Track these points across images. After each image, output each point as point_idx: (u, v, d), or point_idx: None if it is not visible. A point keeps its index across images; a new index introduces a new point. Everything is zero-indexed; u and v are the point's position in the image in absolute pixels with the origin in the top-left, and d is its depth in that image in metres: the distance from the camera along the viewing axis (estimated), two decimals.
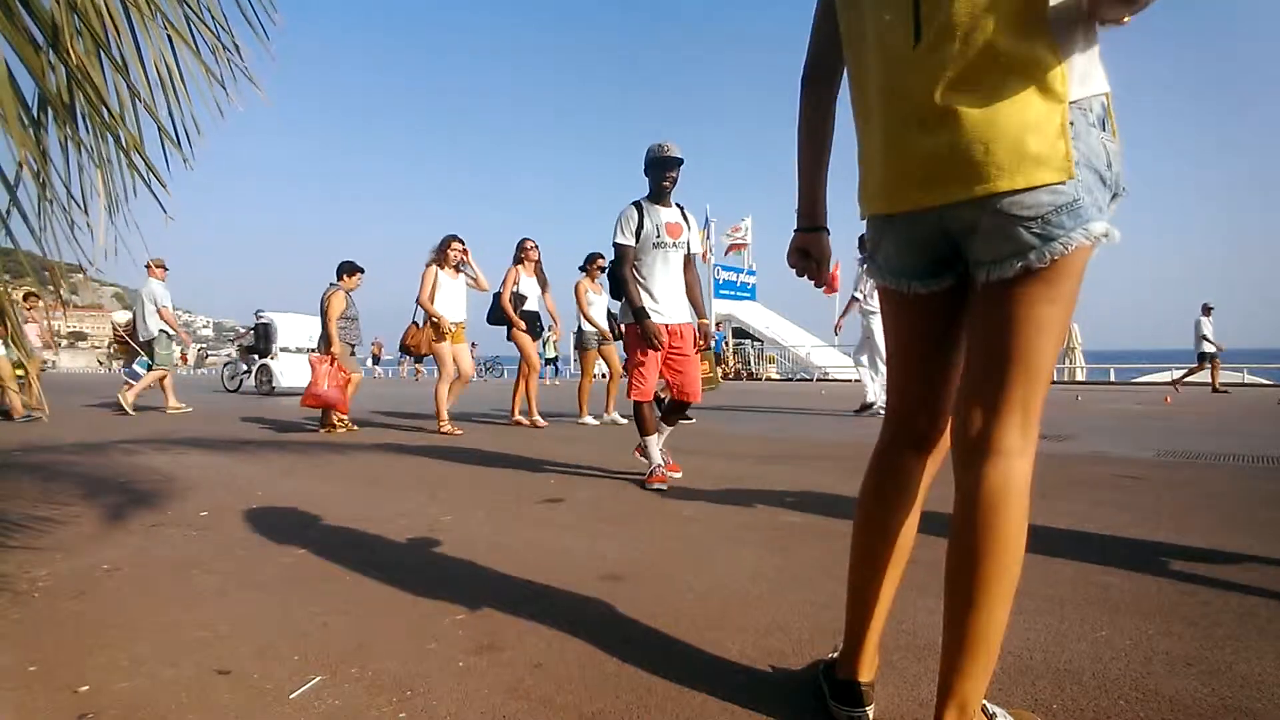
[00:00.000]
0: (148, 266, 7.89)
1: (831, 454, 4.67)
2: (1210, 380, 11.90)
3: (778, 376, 20.49)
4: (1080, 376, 16.39)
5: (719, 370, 8.49)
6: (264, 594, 2.00)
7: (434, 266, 6.21)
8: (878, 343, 6.87)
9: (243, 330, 12.82)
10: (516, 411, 6.71)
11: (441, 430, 5.93)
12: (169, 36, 1.53)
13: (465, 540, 2.55)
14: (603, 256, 6.79)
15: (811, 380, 18.06)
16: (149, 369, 8.02)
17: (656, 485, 3.47)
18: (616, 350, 7.32)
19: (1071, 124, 0.98)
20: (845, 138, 1.29)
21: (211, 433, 6.11)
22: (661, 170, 3.62)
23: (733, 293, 23.22)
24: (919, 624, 1.68)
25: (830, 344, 20.01)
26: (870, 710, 1.24)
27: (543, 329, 6.95)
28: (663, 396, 4.30)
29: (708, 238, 20.74)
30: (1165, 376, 14.42)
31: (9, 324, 1.54)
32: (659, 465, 3.57)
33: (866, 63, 1.14)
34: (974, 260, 1.08)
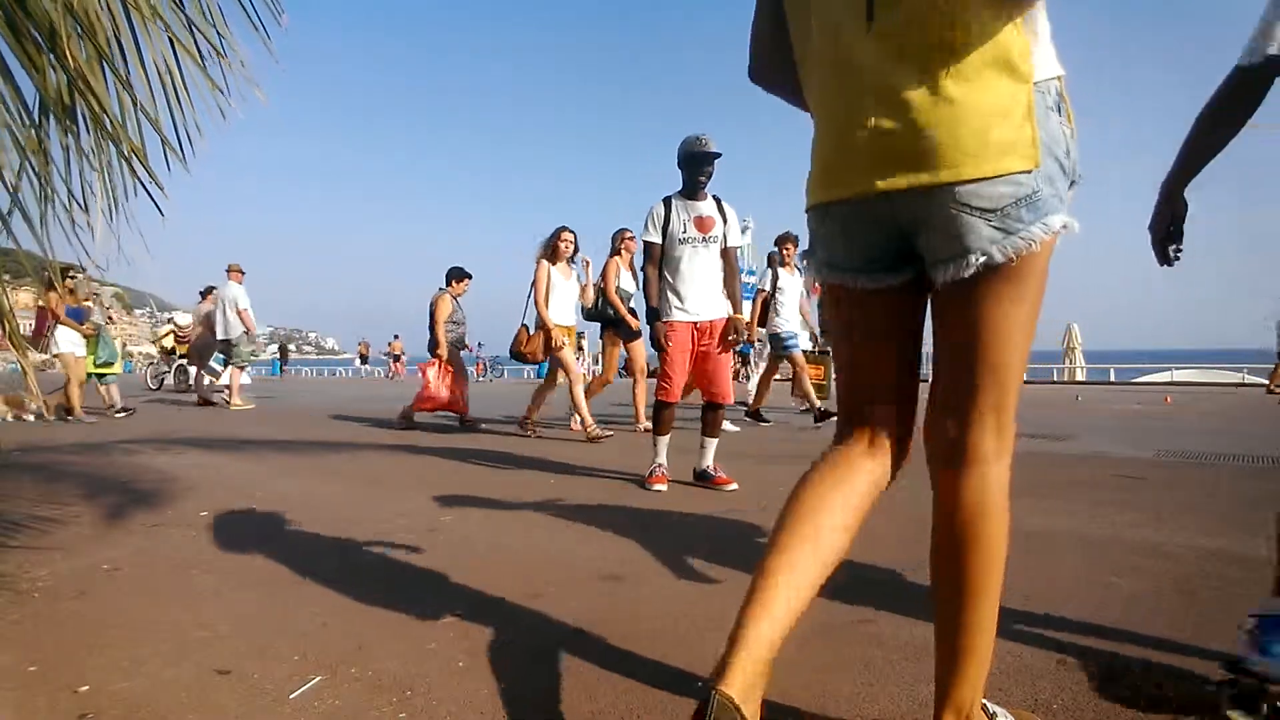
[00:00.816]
0: (228, 270, 8.56)
1: None
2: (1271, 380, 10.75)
3: (779, 377, 20.46)
4: (1080, 376, 16.39)
5: (828, 374, 7.45)
6: (264, 594, 2.00)
7: (544, 263, 5.44)
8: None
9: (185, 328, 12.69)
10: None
11: (590, 437, 5.23)
12: (170, 40, 1.53)
13: (465, 540, 2.55)
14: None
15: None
16: (225, 365, 8.75)
17: (657, 486, 3.46)
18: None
19: (1037, 117, 0.93)
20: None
21: (211, 433, 6.11)
22: (697, 165, 3.54)
23: None
24: (915, 626, 1.68)
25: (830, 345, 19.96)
26: None
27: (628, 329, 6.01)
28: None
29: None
30: (1165, 376, 14.40)
31: (7, 325, 1.54)
32: (660, 465, 3.56)
33: (817, 43, 1.06)
34: (930, 258, 1.01)
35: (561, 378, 5.95)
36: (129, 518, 2.92)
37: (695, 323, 3.55)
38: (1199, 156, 1.34)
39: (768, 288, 6.58)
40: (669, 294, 3.56)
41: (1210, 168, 1.35)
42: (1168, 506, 2.97)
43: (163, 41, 1.53)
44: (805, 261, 1.52)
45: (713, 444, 3.60)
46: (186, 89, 1.57)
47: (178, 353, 12.92)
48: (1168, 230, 1.37)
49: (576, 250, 5.70)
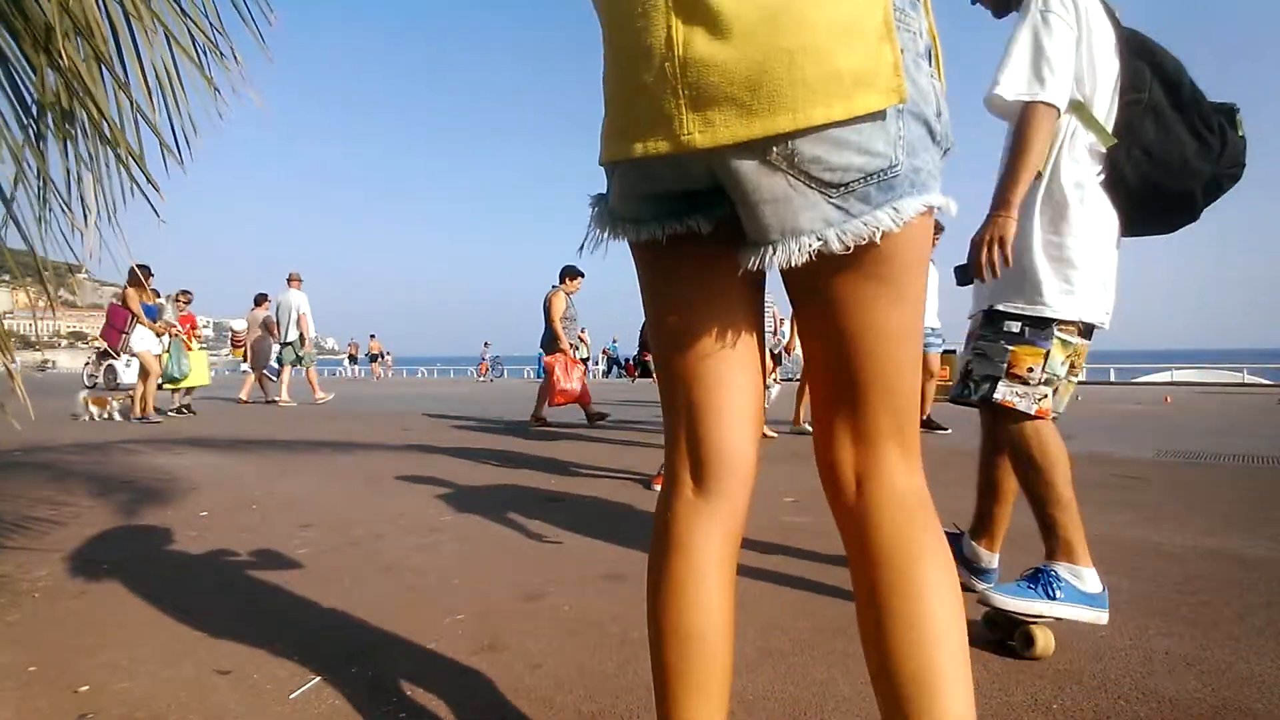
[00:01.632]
0: (289, 279, 9.33)
1: None
2: None
3: (780, 377, 20.46)
4: (1080, 376, 16.36)
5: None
6: (264, 593, 2.00)
7: None
8: None
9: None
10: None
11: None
12: (168, 39, 1.53)
13: (465, 540, 2.55)
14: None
15: None
16: (280, 365, 9.40)
17: (660, 486, 3.46)
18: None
19: (902, 51, 0.69)
20: None
21: (211, 433, 6.11)
22: None
23: None
24: None
25: None
26: None
27: None
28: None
29: None
30: (1165, 376, 14.39)
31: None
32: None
33: None
34: (756, 238, 0.74)
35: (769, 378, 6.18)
36: (129, 517, 2.92)
37: None
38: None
39: None
40: None
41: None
42: (1168, 506, 2.97)
43: (160, 43, 1.53)
44: (593, 212, 0.92)
45: None
46: (184, 89, 1.57)
47: (233, 356, 13.19)
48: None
49: None
